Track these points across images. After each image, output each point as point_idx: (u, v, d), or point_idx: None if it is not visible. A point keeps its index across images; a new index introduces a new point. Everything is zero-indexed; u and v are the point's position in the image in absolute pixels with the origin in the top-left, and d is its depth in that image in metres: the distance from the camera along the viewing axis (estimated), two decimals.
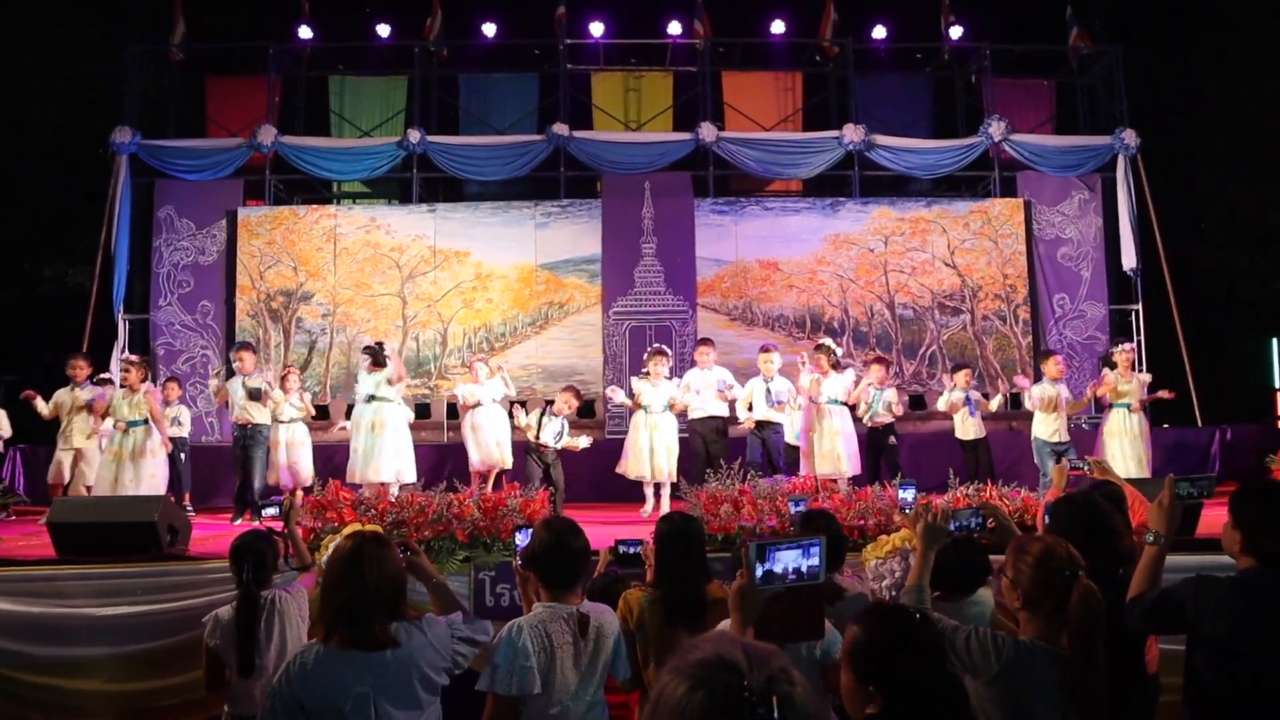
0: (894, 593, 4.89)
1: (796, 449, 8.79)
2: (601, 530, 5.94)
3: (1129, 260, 12.47)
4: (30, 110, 14.85)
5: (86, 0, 15.01)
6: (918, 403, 12.06)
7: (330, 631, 2.67)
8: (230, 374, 9.04)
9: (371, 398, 8.31)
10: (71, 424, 8.94)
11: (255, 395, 8.49)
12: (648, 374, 8.73)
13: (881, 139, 12.52)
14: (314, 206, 12.88)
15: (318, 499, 6.01)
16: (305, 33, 13.09)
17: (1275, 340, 16.29)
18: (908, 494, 5.36)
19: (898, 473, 7.56)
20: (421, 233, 12.30)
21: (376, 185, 14.43)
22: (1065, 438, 8.87)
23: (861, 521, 5.69)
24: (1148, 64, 13.58)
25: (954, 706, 2.25)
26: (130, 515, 5.98)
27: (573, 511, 7.59)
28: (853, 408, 8.71)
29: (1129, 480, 5.19)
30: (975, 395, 9.56)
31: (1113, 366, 9.24)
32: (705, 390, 8.76)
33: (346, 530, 5.09)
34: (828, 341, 8.69)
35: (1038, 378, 9.27)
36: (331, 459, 9.59)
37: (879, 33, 13.39)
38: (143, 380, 8.43)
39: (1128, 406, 9.02)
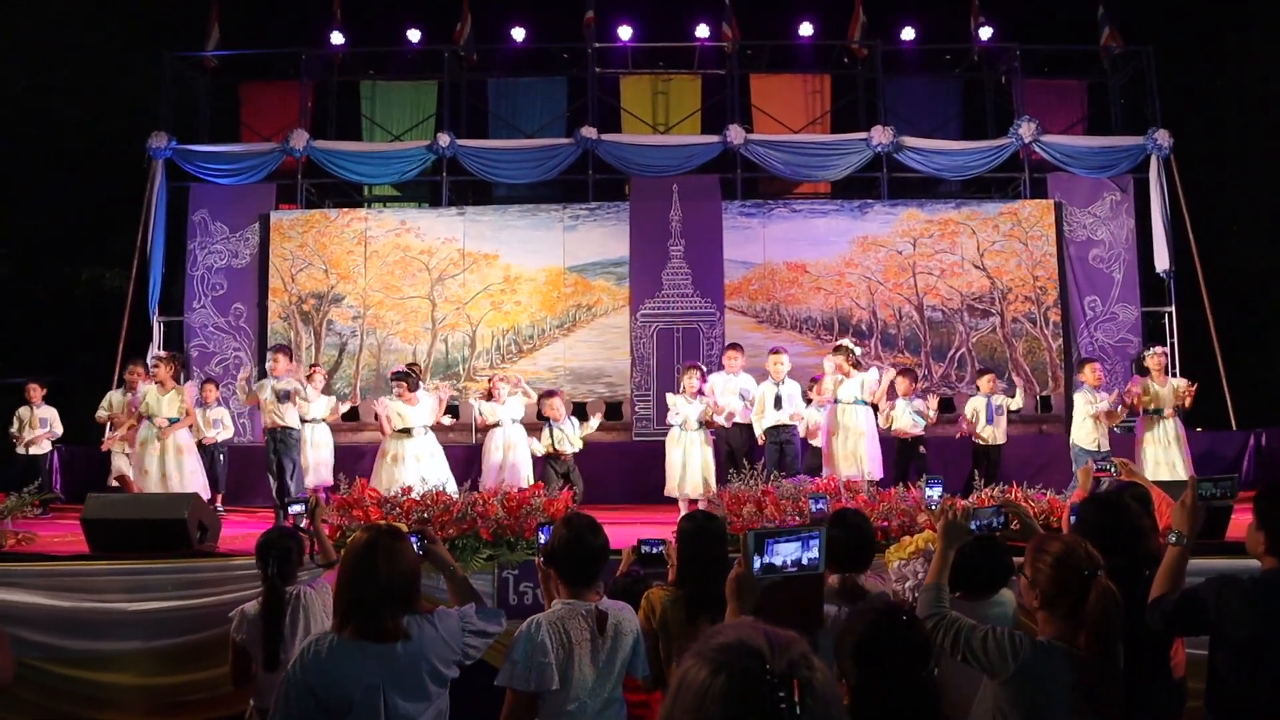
0: (916, 594, 4.87)
1: (818, 450, 8.76)
2: (628, 531, 5.96)
3: (1162, 262, 12.33)
4: (68, 116, 15.14)
5: (123, 8, 15.29)
6: (946, 405, 11.97)
7: (343, 622, 2.71)
8: (262, 375, 9.15)
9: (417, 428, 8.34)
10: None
11: (283, 398, 8.57)
12: (682, 390, 8.73)
13: (910, 141, 12.46)
14: (345, 210, 13.02)
15: (344, 497, 6.08)
16: (337, 38, 13.24)
17: None
18: (934, 492, 5.34)
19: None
20: (451, 236, 12.38)
21: (406, 189, 14.57)
22: (1106, 445, 8.72)
23: (885, 523, 5.66)
24: (1180, 64, 13.43)
25: (921, 711, 2.25)
26: (161, 512, 6.10)
27: (600, 512, 7.58)
28: (876, 406, 8.63)
29: (1155, 482, 5.14)
30: (997, 401, 9.46)
31: (1144, 372, 9.08)
32: (729, 396, 8.75)
33: None
34: (847, 342, 8.63)
35: (1068, 382, 9.15)
36: (361, 459, 9.67)
37: (908, 34, 13.33)
38: (173, 377, 8.53)
39: (1161, 413, 8.80)
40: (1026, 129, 12.29)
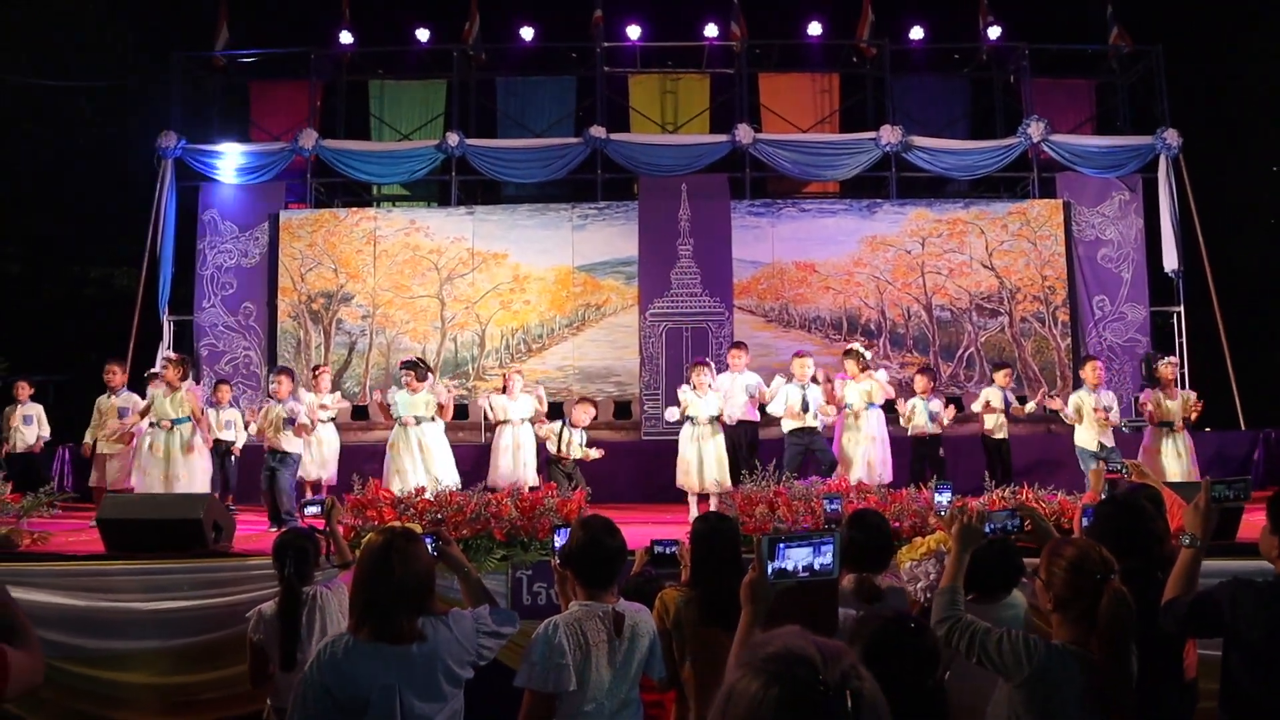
0: (928, 595, 4.89)
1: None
2: (637, 530, 5.98)
3: (1170, 262, 12.32)
4: (78, 115, 15.20)
5: (133, 7, 15.34)
6: (957, 405, 11.97)
7: (359, 623, 2.74)
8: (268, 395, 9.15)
9: (418, 419, 8.40)
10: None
11: (287, 424, 8.43)
12: (693, 385, 8.74)
13: (919, 140, 12.45)
14: (354, 209, 13.03)
15: (358, 498, 6.11)
16: (346, 38, 13.24)
17: None
18: (943, 497, 5.36)
19: None
20: (460, 235, 12.41)
21: (415, 188, 14.59)
22: (1110, 442, 8.68)
23: (896, 524, 5.68)
24: (1189, 63, 13.40)
25: (928, 718, 2.26)
26: (177, 512, 6.12)
27: (611, 512, 7.61)
28: (890, 403, 8.62)
29: (1167, 484, 5.14)
30: (1011, 397, 9.50)
31: (1155, 383, 9.03)
32: (734, 395, 8.76)
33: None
34: (857, 346, 8.66)
35: (1077, 383, 9.14)
36: (371, 458, 9.69)
37: (916, 34, 13.30)
38: (181, 378, 8.52)
39: (1171, 425, 8.74)
40: (1035, 128, 12.27)
